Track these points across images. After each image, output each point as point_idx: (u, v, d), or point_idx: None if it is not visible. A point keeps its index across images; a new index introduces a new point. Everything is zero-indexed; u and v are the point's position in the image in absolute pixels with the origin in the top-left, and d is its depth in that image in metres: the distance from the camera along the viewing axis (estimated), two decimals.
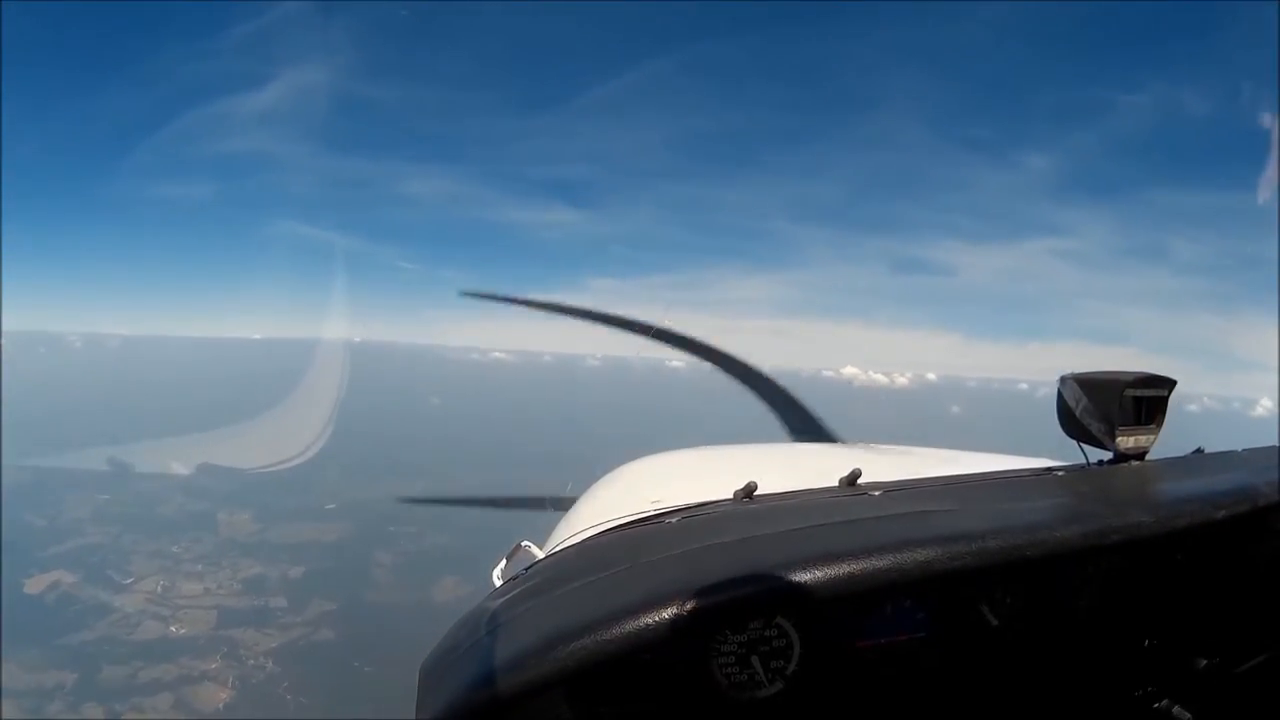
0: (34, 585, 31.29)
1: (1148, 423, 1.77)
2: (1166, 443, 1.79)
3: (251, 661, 28.34)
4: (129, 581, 32.70)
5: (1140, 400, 1.74)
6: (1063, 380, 1.80)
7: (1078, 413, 1.76)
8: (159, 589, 32.34)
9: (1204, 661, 1.40)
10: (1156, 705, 1.37)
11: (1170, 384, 1.76)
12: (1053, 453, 1.90)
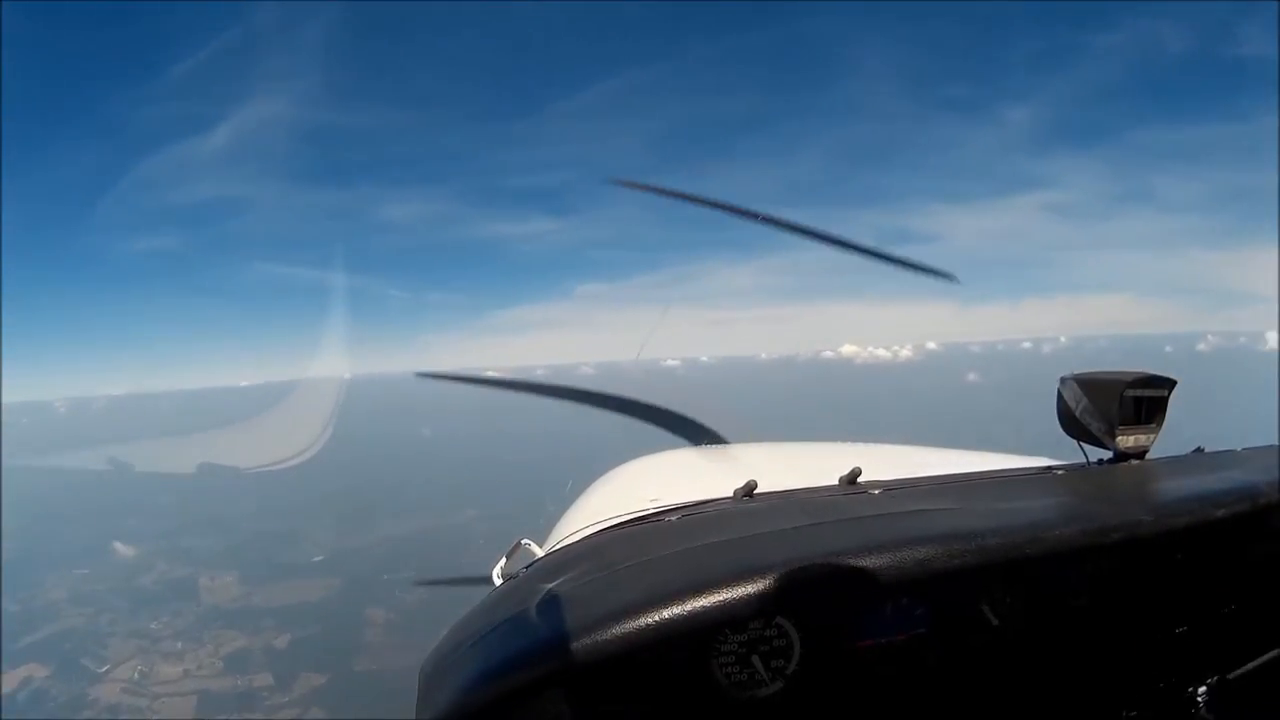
0: (5, 682, 28.56)
1: (1147, 422, 1.79)
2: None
3: None
4: (104, 670, 29.95)
5: (1140, 400, 1.76)
6: (1063, 380, 1.81)
7: (1078, 412, 1.77)
8: (136, 675, 29.68)
9: (1204, 662, 1.40)
10: (1157, 705, 1.38)
11: (1170, 384, 1.78)
12: (1055, 448, 1.92)
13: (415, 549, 38.57)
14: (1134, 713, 1.37)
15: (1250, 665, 1.44)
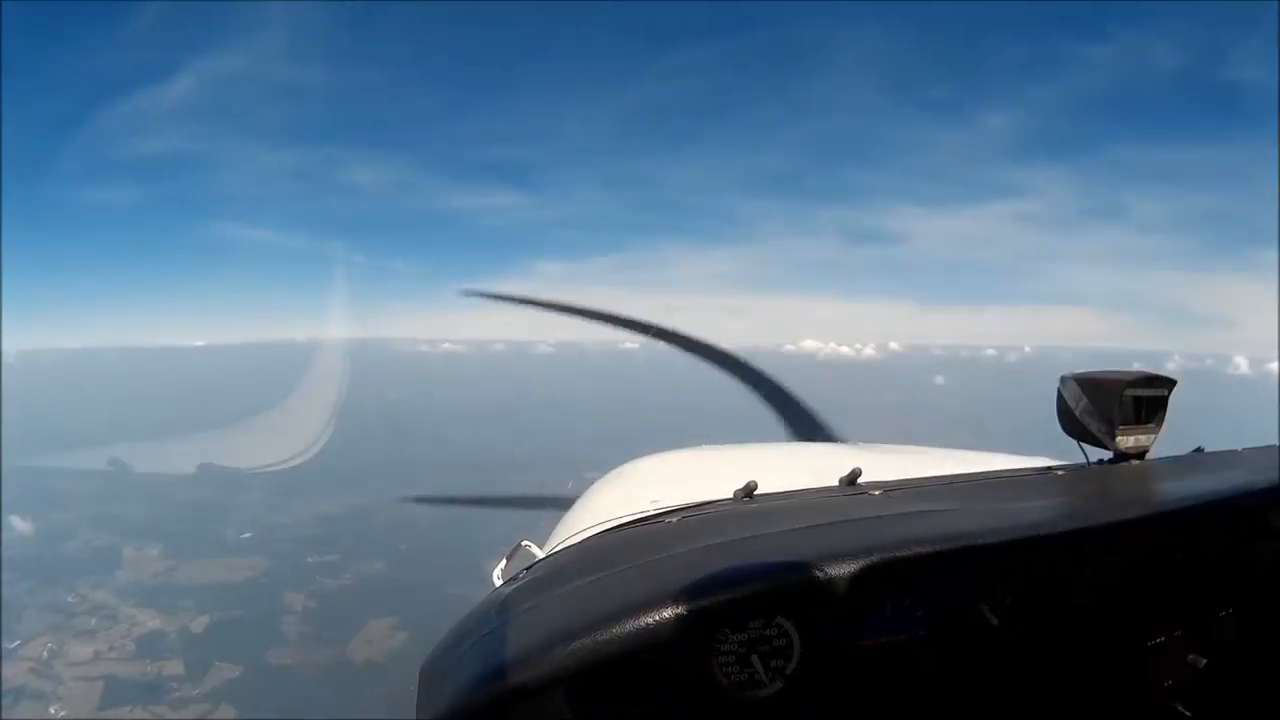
0: None
1: (1148, 422, 1.79)
2: None
3: None
4: (14, 645, 27.95)
5: (1140, 400, 1.76)
6: (1063, 380, 1.81)
7: (1078, 412, 1.78)
8: (45, 654, 27.71)
9: (1204, 661, 1.39)
10: (1156, 704, 1.37)
11: (1170, 383, 1.78)
12: (1052, 444, 1.91)
13: (348, 529, 37.55)
14: (1135, 712, 1.38)
15: (1250, 665, 1.44)
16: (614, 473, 2.35)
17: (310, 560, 34.12)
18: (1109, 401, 1.74)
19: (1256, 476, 1.55)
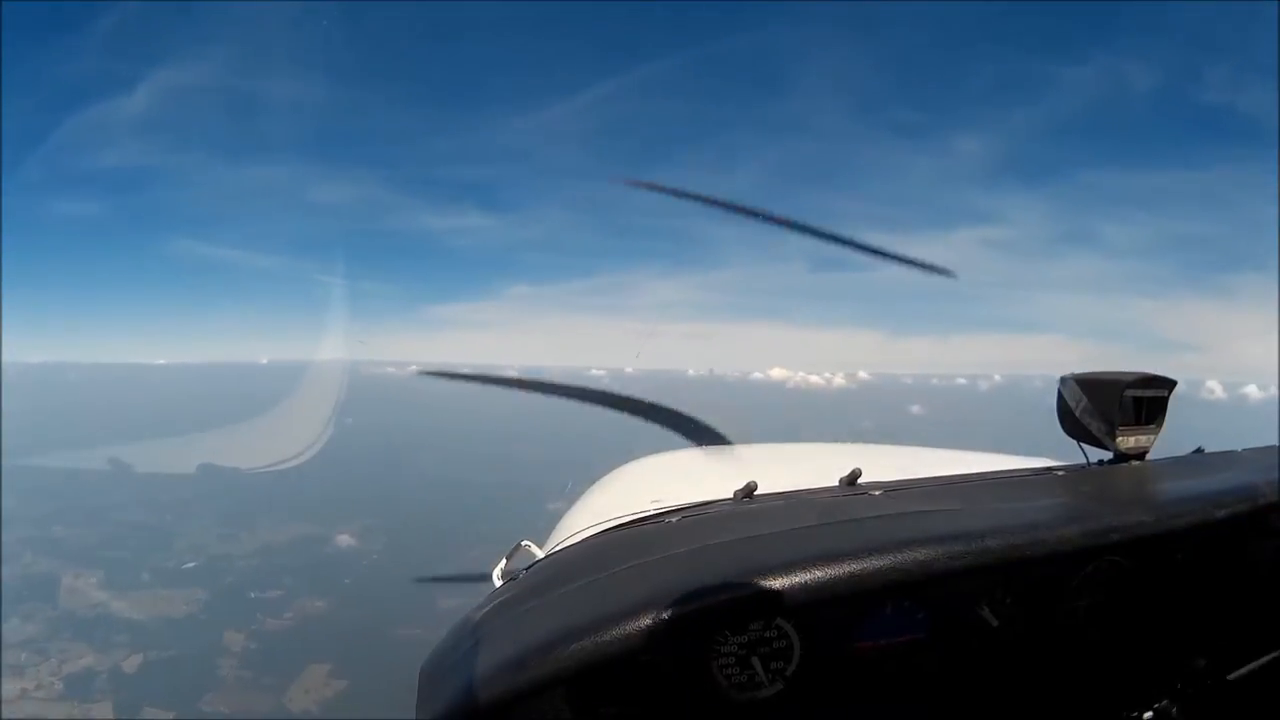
0: None
1: (1148, 423, 1.80)
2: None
3: None
4: None
5: (1140, 400, 1.77)
6: (1063, 380, 1.82)
7: (1078, 413, 1.78)
8: None
9: (1204, 661, 1.40)
10: (1156, 705, 1.37)
11: (1171, 384, 1.79)
12: (1037, 450, 1.90)
13: (293, 560, 35.93)
14: (1134, 713, 1.37)
15: (1250, 666, 1.44)
16: (614, 472, 2.34)
17: (253, 595, 32.90)
18: (1109, 402, 1.74)
19: (1256, 476, 1.56)
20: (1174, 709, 1.36)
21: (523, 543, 1.64)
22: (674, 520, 1.51)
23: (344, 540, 37.71)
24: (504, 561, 1.57)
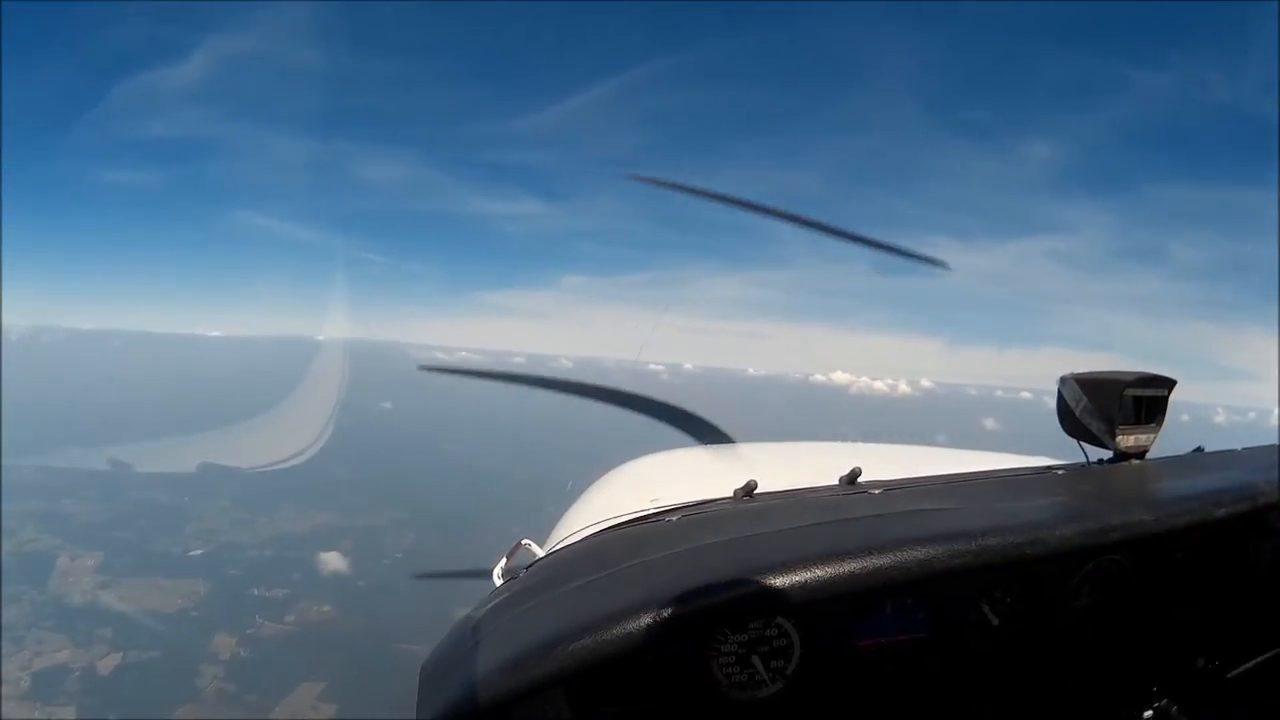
0: None
1: (1148, 422, 1.80)
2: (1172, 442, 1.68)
3: None
4: None
5: (1140, 400, 1.77)
6: (1063, 380, 1.82)
7: (1078, 412, 1.79)
8: None
9: (1203, 661, 1.41)
10: (1156, 705, 1.38)
11: (1170, 384, 1.80)
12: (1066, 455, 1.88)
13: (309, 554, 33.45)
14: (1134, 713, 1.38)
15: (1250, 665, 1.44)
16: (614, 471, 2.33)
17: (255, 592, 30.57)
18: (1109, 401, 1.75)
19: (1256, 476, 1.56)
20: (1174, 709, 1.36)
21: (523, 541, 1.62)
22: (674, 519, 1.51)
23: (366, 535, 35.33)
24: (504, 561, 1.55)
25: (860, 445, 2.48)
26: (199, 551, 33.83)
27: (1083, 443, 1.82)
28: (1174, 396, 1.81)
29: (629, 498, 1.70)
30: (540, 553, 1.57)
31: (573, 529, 1.63)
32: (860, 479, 1.66)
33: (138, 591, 30.26)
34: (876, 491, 1.59)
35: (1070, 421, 1.81)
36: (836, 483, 1.67)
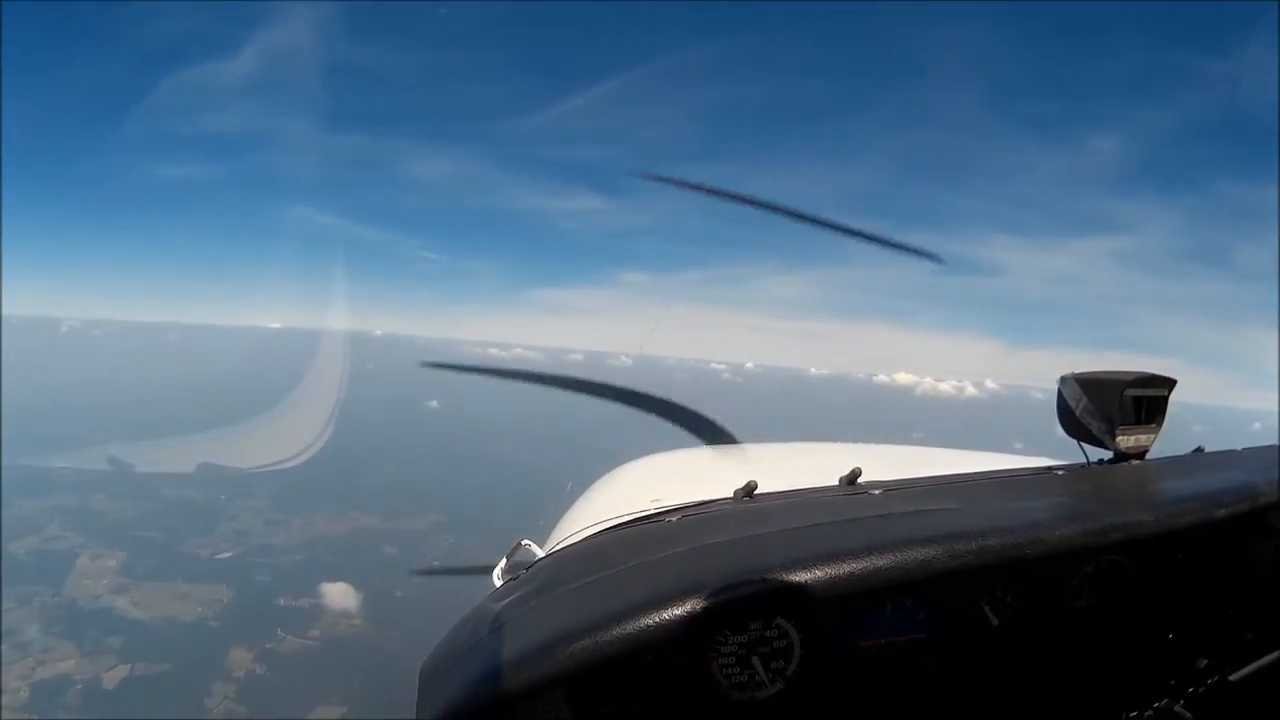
0: None
1: (1148, 422, 1.80)
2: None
3: None
4: None
5: (1140, 400, 1.77)
6: (1063, 380, 1.82)
7: (1078, 412, 1.79)
8: None
9: (1204, 661, 1.41)
10: (1156, 705, 1.38)
11: (1170, 383, 1.79)
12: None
13: (343, 559, 31.53)
14: (1134, 713, 1.38)
15: (1250, 666, 1.44)
16: (614, 472, 2.34)
17: (280, 603, 28.67)
18: (1109, 401, 1.75)
19: (1256, 476, 1.56)
20: (1174, 709, 1.37)
21: (523, 541, 1.63)
22: (674, 519, 1.51)
23: (407, 539, 33.57)
24: (504, 561, 1.57)
25: (860, 445, 2.49)
26: (227, 554, 32.21)
27: (1083, 443, 1.82)
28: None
29: (629, 498, 1.71)
30: (540, 553, 1.58)
31: (573, 529, 1.64)
32: (860, 479, 1.67)
33: (157, 596, 28.84)
34: (876, 492, 1.60)
35: (1070, 422, 1.81)
36: (837, 483, 1.68)
